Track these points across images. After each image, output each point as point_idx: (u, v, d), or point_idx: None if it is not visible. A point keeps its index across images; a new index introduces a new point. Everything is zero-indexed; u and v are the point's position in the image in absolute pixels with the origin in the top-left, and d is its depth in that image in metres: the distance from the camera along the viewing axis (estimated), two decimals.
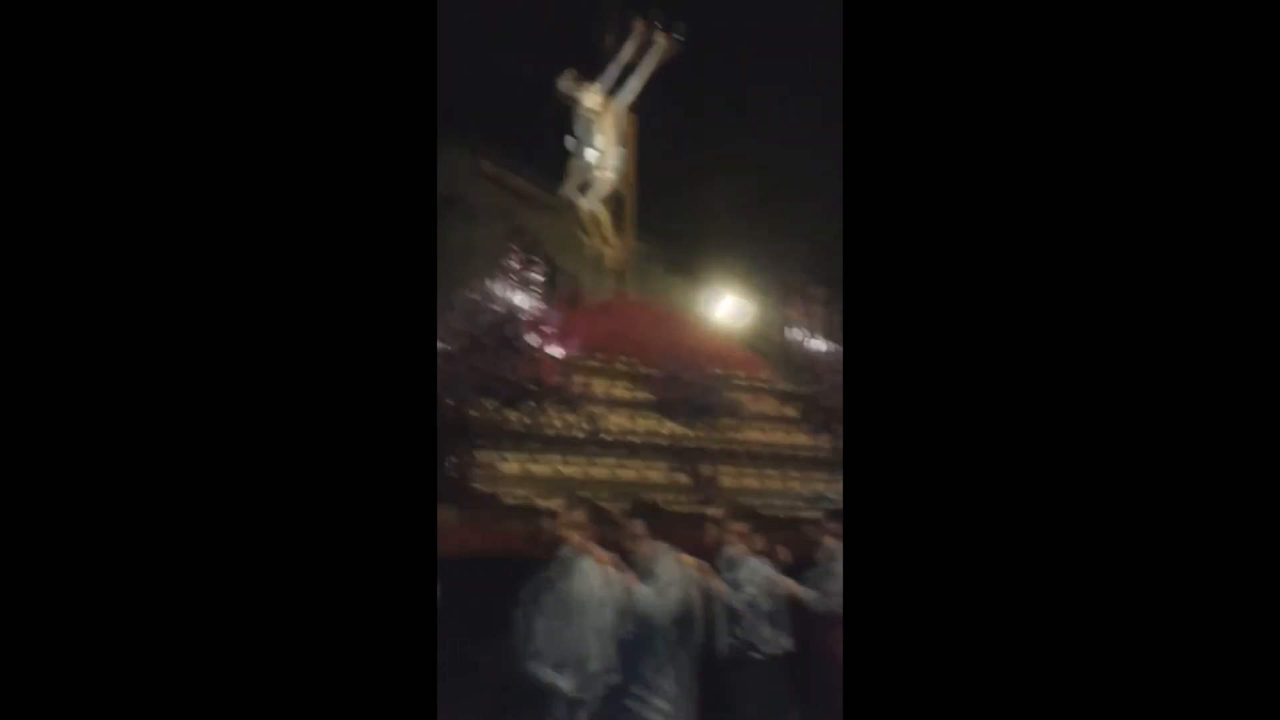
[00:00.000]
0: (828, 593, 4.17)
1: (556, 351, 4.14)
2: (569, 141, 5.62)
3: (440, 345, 4.59)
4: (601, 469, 4.25)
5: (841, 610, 4.12)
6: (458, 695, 3.42)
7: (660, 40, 5.58)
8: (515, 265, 4.19)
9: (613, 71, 5.62)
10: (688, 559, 3.85)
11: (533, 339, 4.00)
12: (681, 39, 5.57)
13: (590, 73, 5.62)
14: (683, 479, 4.47)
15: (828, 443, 4.94)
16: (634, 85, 5.62)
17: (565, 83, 5.54)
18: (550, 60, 5.86)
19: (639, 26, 5.65)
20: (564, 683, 3.41)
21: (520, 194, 9.16)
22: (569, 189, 5.62)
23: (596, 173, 5.62)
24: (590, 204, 5.61)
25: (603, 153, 5.60)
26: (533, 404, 3.95)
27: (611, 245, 5.69)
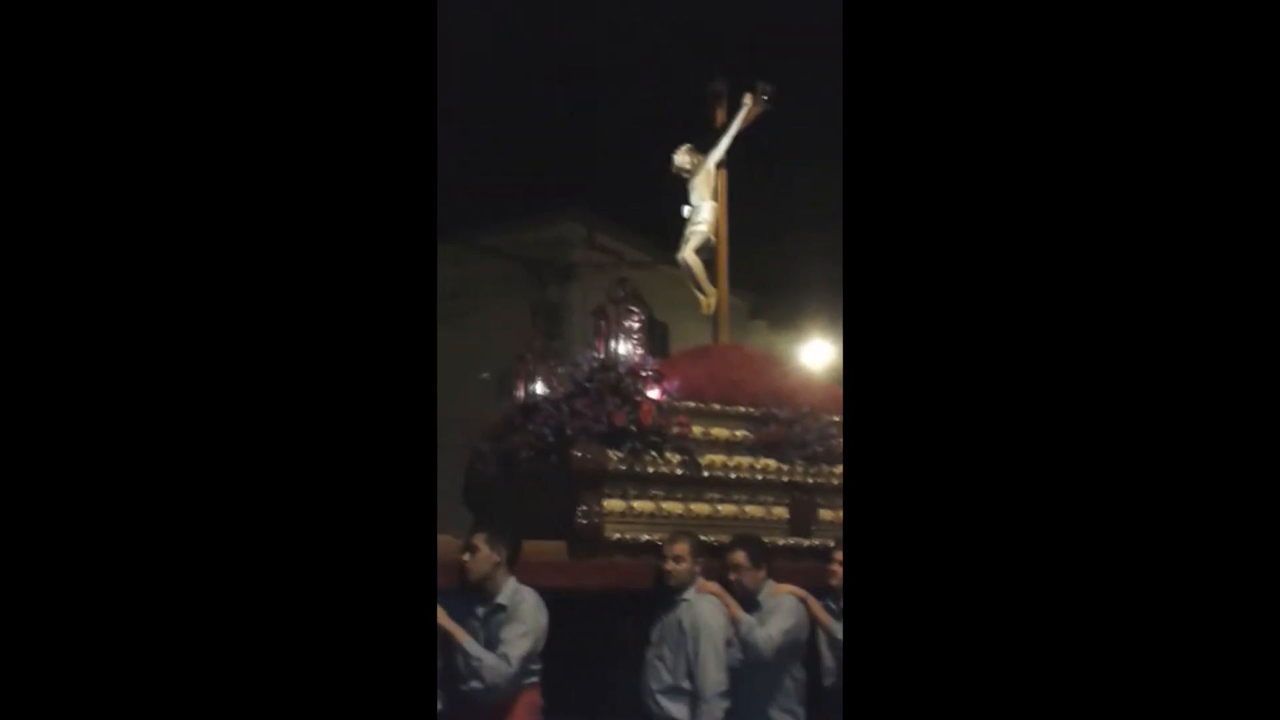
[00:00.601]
0: None
1: (656, 394, 4.11)
2: (685, 209, 5.67)
3: (546, 391, 4.67)
4: (703, 505, 4.21)
5: None
6: None
7: (747, 101, 5.58)
8: (616, 316, 4.21)
9: (715, 137, 5.66)
10: (792, 589, 3.81)
11: (631, 383, 3.98)
12: (767, 99, 5.54)
13: (699, 142, 5.66)
14: (781, 512, 4.39)
15: None
16: (723, 144, 5.62)
17: (680, 156, 5.58)
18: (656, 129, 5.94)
19: (723, 90, 5.68)
20: (679, 712, 3.39)
21: (629, 260, 9.40)
22: (682, 249, 5.65)
23: (691, 227, 5.64)
24: (686, 255, 5.62)
25: (696, 208, 5.63)
26: (633, 445, 3.92)
27: (707, 293, 5.67)
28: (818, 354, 9.39)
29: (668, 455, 4.09)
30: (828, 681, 3.86)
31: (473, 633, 3.21)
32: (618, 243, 9.79)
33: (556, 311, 9.45)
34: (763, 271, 9.26)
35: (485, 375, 5.09)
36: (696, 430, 4.29)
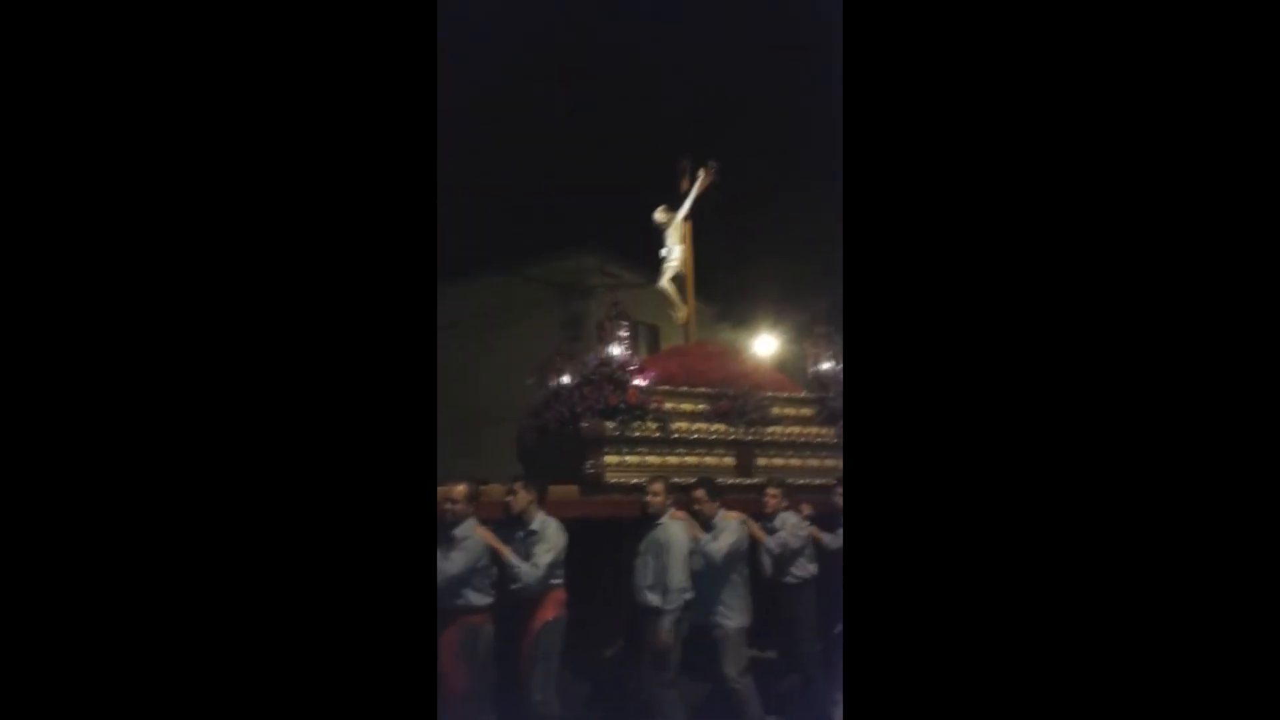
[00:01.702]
0: (839, 535, 4.14)
1: (639, 382, 4.23)
2: (662, 250, 5.77)
3: (568, 380, 4.79)
4: (674, 458, 4.30)
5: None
6: (588, 619, 3.49)
7: (702, 172, 5.70)
8: (609, 328, 4.33)
9: (681, 199, 5.77)
10: (737, 514, 3.80)
11: (621, 375, 4.10)
12: (715, 168, 5.67)
13: (670, 202, 5.80)
14: (731, 461, 4.47)
15: (833, 433, 4.86)
16: (686, 204, 5.76)
17: (658, 213, 5.76)
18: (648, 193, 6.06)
19: (687, 165, 5.81)
20: (655, 600, 3.41)
21: (628, 283, 9.50)
22: (660, 280, 5.74)
23: (666, 263, 5.78)
24: (663, 283, 5.76)
25: (670, 249, 5.76)
26: (623, 417, 4.03)
27: (678, 309, 5.80)
28: (765, 346, 9.49)
29: (648, 423, 4.19)
30: (765, 576, 3.87)
31: (514, 550, 3.26)
32: (622, 270, 9.85)
33: (578, 322, 9.52)
34: (726, 287, 9.43)
35: (530, 381, 5.18)
36: (669, 405, 4.38)
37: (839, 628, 4.20)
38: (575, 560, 3.41)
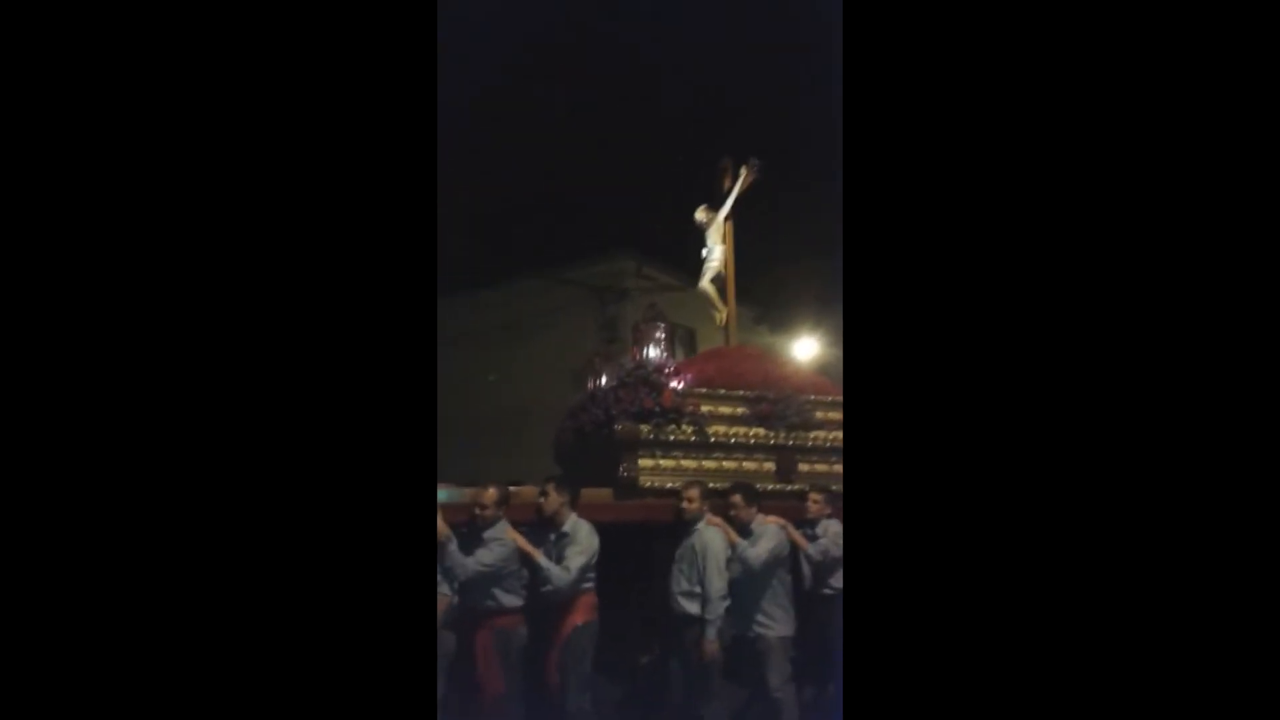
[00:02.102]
0: None
1: (675, 384, 4.17)
2: (703, 251, 5.68)
3: (605, 382, 4.75)
4: (711, 462, 4.21)
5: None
6: (617, 626, 3.43)
7: (743, 171, 5.60)
8: (646, 330, 4.27)
9: (723, 198, 5.68)
10: (776, 519, 3.70)
11: (657, 377, 4.04)
12: (757, 167, 5.57)
13: (711, 202, 5.70)
14: (771, 466, 4.36)
15: None
16: (728, 204, 5.67)
17: (699, 213, 5.64)
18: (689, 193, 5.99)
19: (729, 164, 5.72)
20: (692, 608, 3.35)
21: (665, 285, 9.43)
22: (701, 280, 5.66)
23: (707, 264, 5.69)
24: (703, 284, 5.67)
25: (711, 249, 5.67)
26: (658, 420, 3.96)
27: (719, 310, 5.70)
28: (805, 349, 9.33)
29: (684, 427, 4.11)
30: (805, 585, 3.77)
31: (545, 553, 3.24)
32: (659, 273, 9.81)
33: (615, 324, 9.50)
34: (764, 289, 9.28)
35: (492, 378, 5.16)
36: (706, 408, 4.29)
37: None
38: (609, 564, 3.36)
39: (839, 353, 5.58)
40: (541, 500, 3.36)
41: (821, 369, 7.26)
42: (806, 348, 9.42)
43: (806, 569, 3.80)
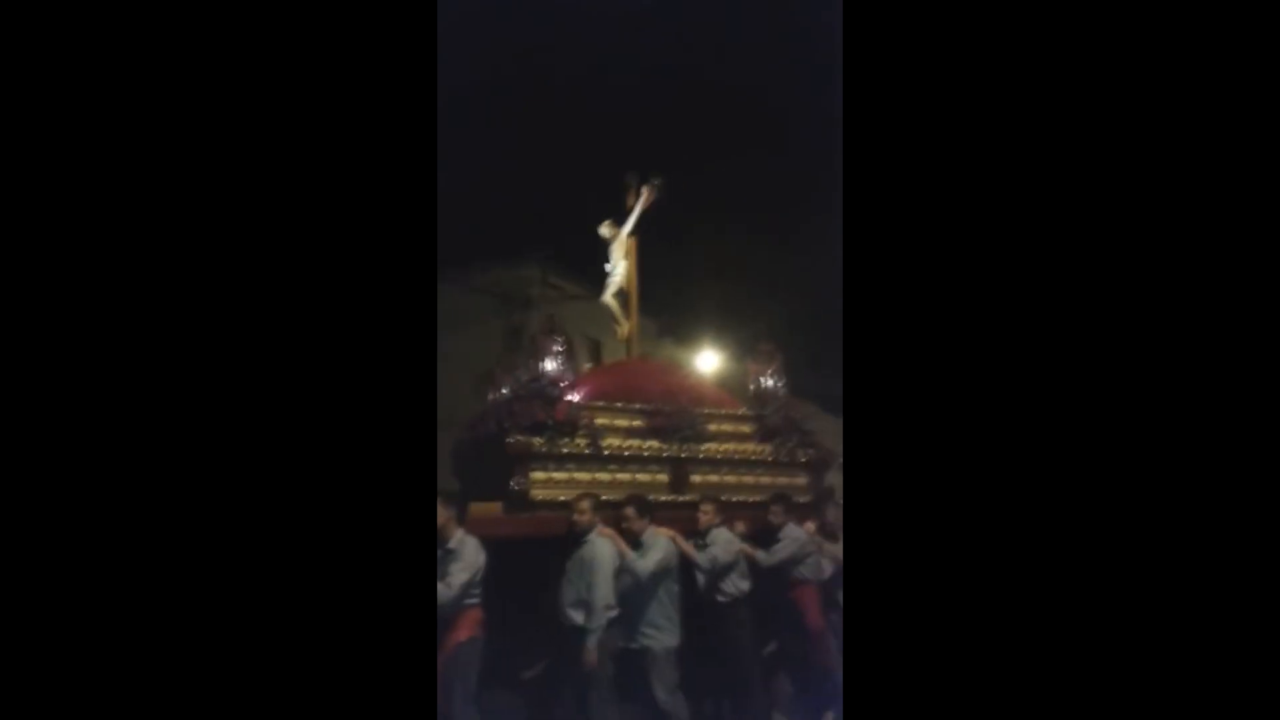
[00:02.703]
0: (773, 552, 4.17)
1: (572, 397, 4.19)
2: (607, 265, 5.75)
3: (504, 394, 4.72)
4: (605, 474, 4.25)
5: (785, 562, 4.15)
6: (506, 637, 3.43)
7: (645, 190, 5.73)
8: (544, 342, 4.28)
9: (626, 215, 5.78)
10: (666, 531, 3.80)
11: (553, 390, 4.05)
12: (659, 185, 5.70)
13: (615, 217, 5.79)
14: (664, 478, 4.44)
15: (768, 450, 4.88)
16: (630, 220, 5.77)
17: (603, 228, 5.74)
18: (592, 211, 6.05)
19: (634, 181, 5.84)
20: (579, 618, 3.40)
21: (571, 295, 9.47)
22: (604, 294, 5.72)
23: (610, 278, 5.77)
24: (606, 298, 5.75)
25: (615, 264, 5.76)
26: (551, 433, 3.98)
27: (621, 324, 5.79)
28: (708, 362, 9.58)
29: (578, 440, 4.13)
30: (698, 593, 3.85)
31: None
32: (566, 282, 9.82)
33: (519, 332, 9.45)
34: (668, 303, 9.51)
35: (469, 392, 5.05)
36: (602, 421, 4.34)
37: (771, 647, 4.22)
38: (502, 579, 3.35)
39: (740, 366, 5.74)
40: None
41: (722, 382, 7.49)
42: (708, 360, 9.67)
43: (700, 577, 3.90)
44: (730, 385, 6.47)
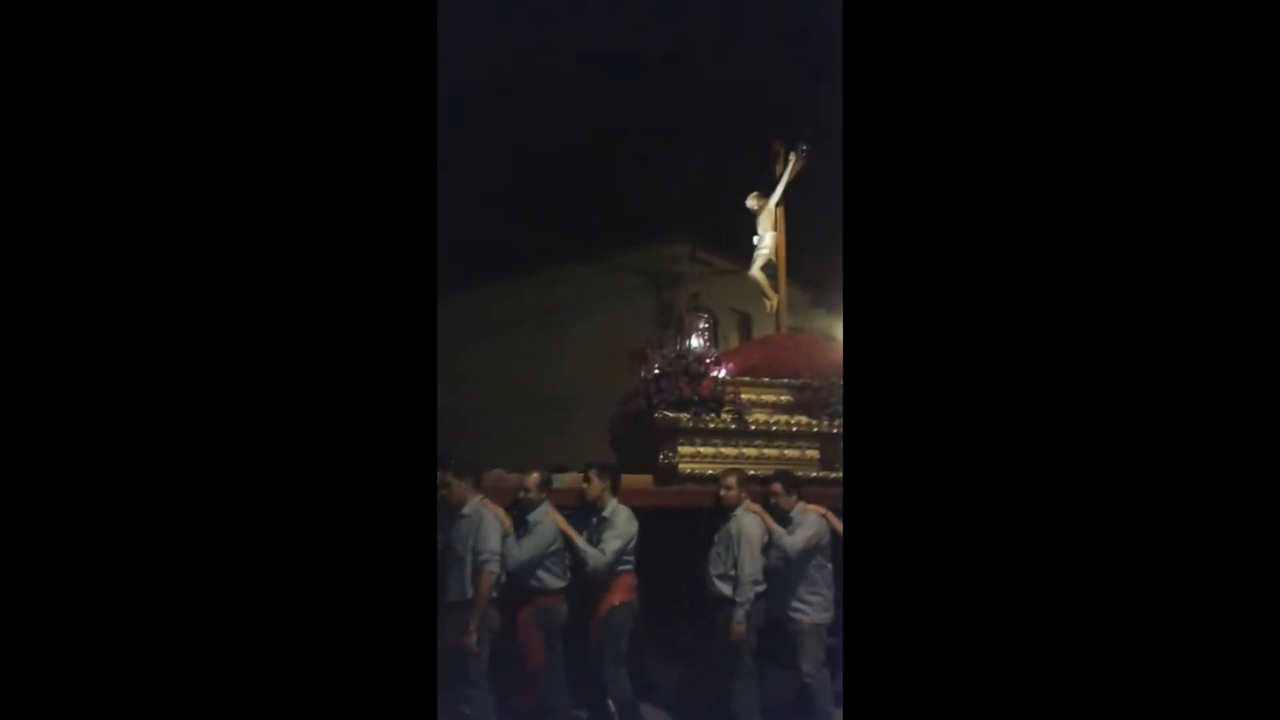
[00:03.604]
0: None
1: (718, 373, 4.24)
2: (755, 238, 5.70)
3: (654, 371, 4.85)
4: (752, 450, 4.28)
5: None
6: (657, 604, 3.58)
7: (793, 157, 5.57)
8: (689, 319, 4.36)
9: (774, 184, 5.67)
10: (817, 508, 3.74)
11: (698, 367, 4.12)
12: (806, 152, 5.53)
13: (762, 188, 5.70)
14: (814, 454, 4.40)
15: None
16: (778, 190, 5.65)
17: (750, 200, 5.67)
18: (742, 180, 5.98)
19: (780, 149, 5.70)
20: (725, 589, 3.47)
21: (719, 270, 9.46)
22: (752, 267, 5.69)
23: (757, 250, 5.70)
24: (754, 271, 5.69)
25: (762, 236, 5.68)
26: (697, 409, 4.05)
27: (770, 298, 5.72)
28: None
29: (723, 415, 4.18)
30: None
31: (587, 536, 3.39)
32: (713, 257, 9.81)
33: (670, 309, 9.59)
34: (820, 272, 9.15)
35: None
36: (749, 396, 4.35)
37: None
38: (650, 548, 3.48)
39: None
40: (584, 485, 3.52)
41: None
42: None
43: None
44: None
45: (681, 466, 4.08)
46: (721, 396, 4.16)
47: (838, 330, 9.30)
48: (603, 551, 3.34)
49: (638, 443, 4.57)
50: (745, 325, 9.37)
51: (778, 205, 5.69)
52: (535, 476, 3.42)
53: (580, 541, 3.37)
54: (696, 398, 4.03)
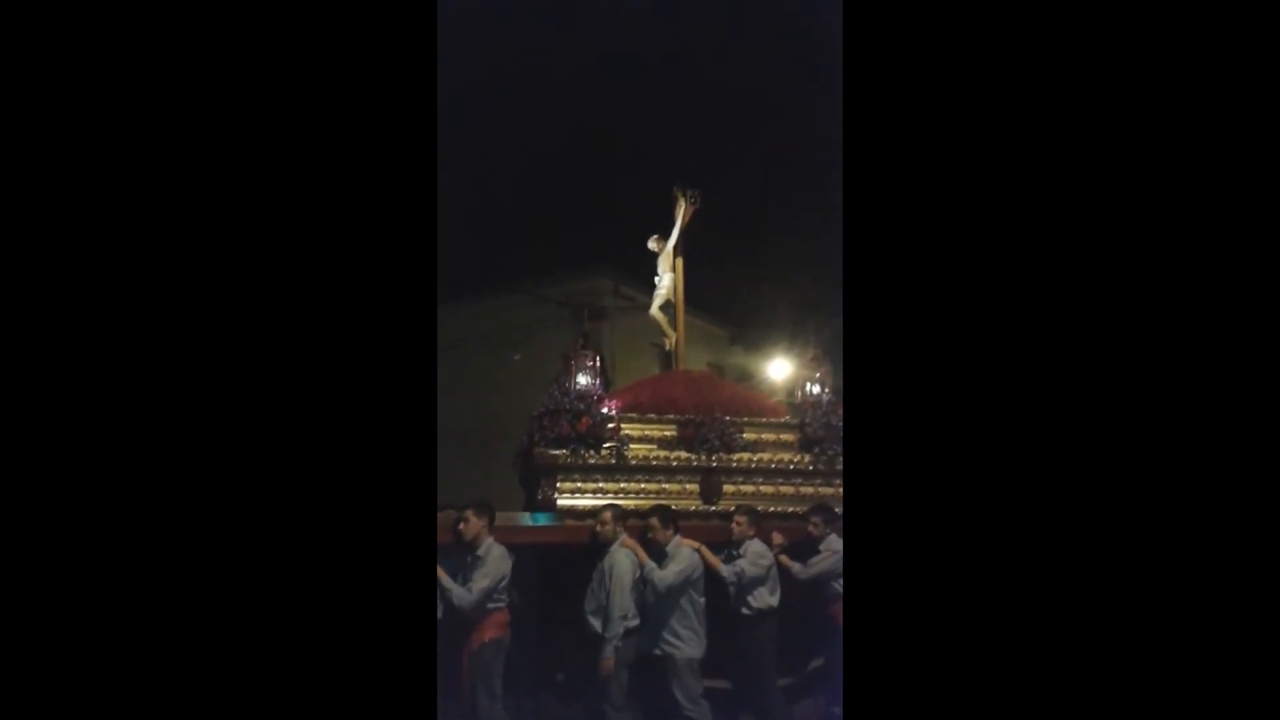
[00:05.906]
0: (809, 565, 4.12)
1: (603, 410, 4.37)
2: (656, 278, 5.93)
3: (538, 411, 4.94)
4: (632, 485, 4.40)
5: (823, 575, 4.09)
6: (537, 640, 3.66)
7: (685, 202, 5.83)
8: (578, 357, 4.49)
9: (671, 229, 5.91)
10: (690, 542, 3.86)
11: (578, 404, 4.25)
12: (697, 198, 5.77)
13: (663, 232, 5.94)
14: (694, 488, 4.53)
15: (807, 460, 4.84)
16: (674, 233, 5.90)
17: (651, 242, 5.95)
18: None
19: (678, 194, 5.94)
20: (597, 625, 3.57)
21: (641, 304, 9.71)
22: (651, 307, 5.90)
23: (658, 291, 5.92)
24: (653, 310, 5.91)
25: (661, 277, 5.91)
26: (575, 445, 4.16)
27: (668, 336, 5.92)
28: (778, 369, 9.49)
29: (603, 451, 4.31)
30: (725, 606, 3.88)
31: (461, 574, 3.45)
32: (636, 292, 10.03)
33: (591, 342, 9.74)
34: (740, 310, 9.52)
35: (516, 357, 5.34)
36: (632, 431, 4.48)
37: (816, 663, 4.19)
38: (530, 585, 3.56)
39: (807, 373, 5.69)
40: (461, 526, 3.57)
41: (788, 391, 7.38)
42: (780, 369, 9.57)
43: (730, 591, 3.91)
44: (773, 393, 6.42)
45: (560, 502, 4.17)
46: (602, 433, 4.28)
47: (756, 366, 9.64)
48: (469, 590, 3.40)
49: (523, 480, 4.65)
50: (667, 360, 9.57)
51: (675, 248, 5.92)
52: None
53: (445, 580, 3.42)
54: (575, 434, 4.14)
